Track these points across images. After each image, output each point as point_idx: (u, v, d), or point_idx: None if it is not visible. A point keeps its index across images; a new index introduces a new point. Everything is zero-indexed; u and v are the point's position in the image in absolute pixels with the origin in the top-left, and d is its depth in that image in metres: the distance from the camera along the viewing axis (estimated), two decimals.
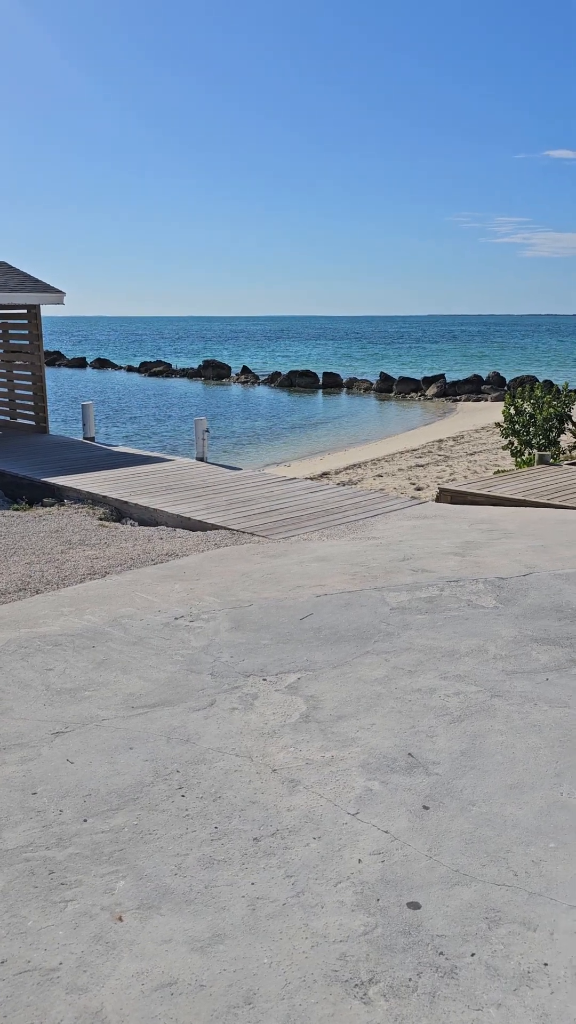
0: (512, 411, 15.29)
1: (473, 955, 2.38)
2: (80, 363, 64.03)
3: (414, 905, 2.59)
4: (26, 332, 15.05)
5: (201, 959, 2.39)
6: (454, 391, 39.39)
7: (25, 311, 14.91)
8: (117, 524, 8.79)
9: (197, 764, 3.46)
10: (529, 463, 13.78)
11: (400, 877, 2.72)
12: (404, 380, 41.63)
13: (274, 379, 47.10)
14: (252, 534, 7.92)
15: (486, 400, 36.91)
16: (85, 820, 3.08)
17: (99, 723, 3.84)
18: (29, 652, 4.72)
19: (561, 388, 16.24)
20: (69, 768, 3.45)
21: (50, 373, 49.57)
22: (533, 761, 3.42)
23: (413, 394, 39.86)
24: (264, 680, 4.28)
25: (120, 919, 2.56)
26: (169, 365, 57.09)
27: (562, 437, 16.10)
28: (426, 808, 3.10)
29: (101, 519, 8.92)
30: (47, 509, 9.31)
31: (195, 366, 55.53)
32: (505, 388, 39.12)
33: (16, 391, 15.76)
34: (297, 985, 2.29)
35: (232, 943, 2.45)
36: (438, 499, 10.71)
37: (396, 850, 2.86)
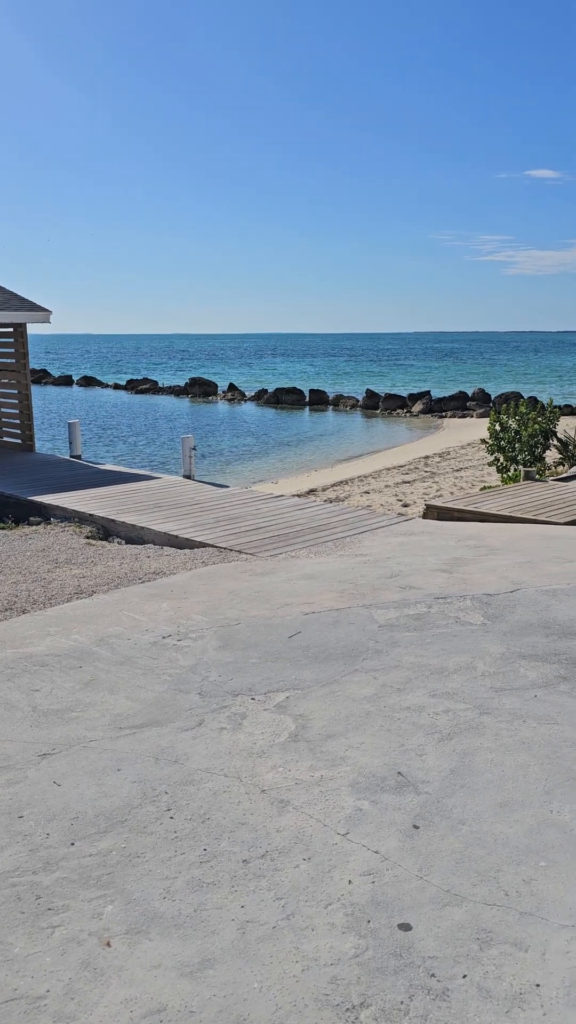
0: (497, 427, 15.38)
1: (465, 977, 2.36)
2: (66, 381, 63.97)
3: (405, 926, 2.57)
4: (12, 350, 15.04)
5: (191, 984, 2.36)
6: (440, 408, 39.60)
7: (11, 329, 14.90)
8: (104, 542, 8.76)
9: (186, 785, 3.43)
10: (515, 479, 13.85)
11: (391, 898, 2.70)
12: (390, 397, 41.82)
13: (261, 396, 47.22)
14: (240, 552, 7.91)
15: (471, 416, 37.13)
16: (72, 843, 3.05)
17: (86, 744, 3.81)
18: (15, 673, 4.69)
19: (546, 404, 16.36)
20: (56, 791, 3.41)
21: (36, 391, 49.41)
22: (522, 779, 3.42)
23: (399, 411, 40.04)
24: (253, 699, 4.26)
25: (108, 944, 2.52)
26: (156, 383, 57.14)
27: (547, 453, 16.19)
28: (416, 828, 3.09)
29: (88, 537, 8.88)
30: (33, 528, 9.27)
31: (182, 383, 55.60)
32: (490, 404, 39.38)
33: (2, 409, 15.73)
34: (288, 1010, 2.26)
35: (222, 968, 2.42)
36: (425, 515, 10.73)
37: (386, 871, 2.84)
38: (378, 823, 3.12)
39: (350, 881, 2.79)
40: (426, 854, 2.93)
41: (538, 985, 2.33)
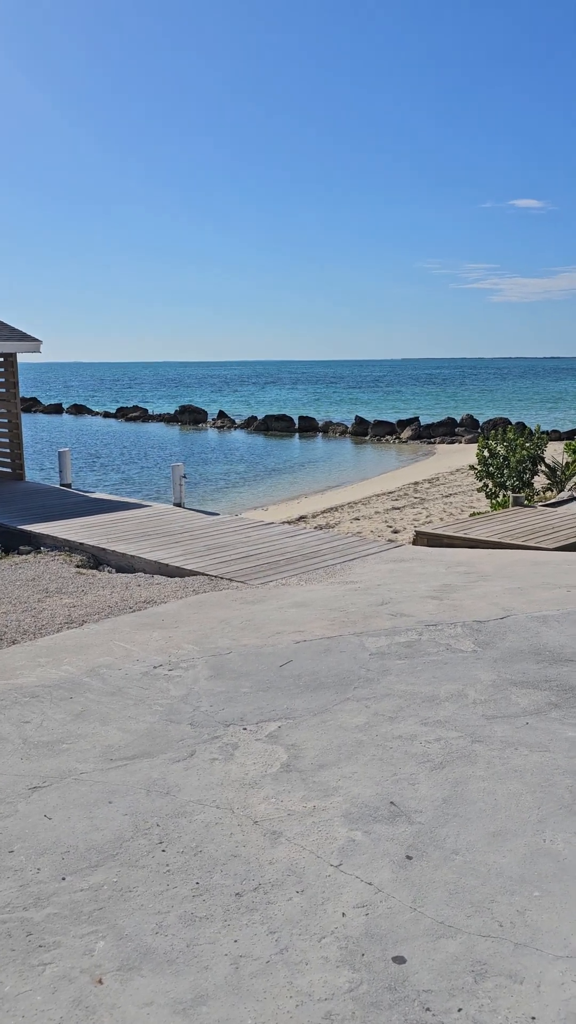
0: (486, 454, 15.49)
1: (460, 1010, 2.34)
2: (56, 409, 64.09)
3: (399, 959, 2.55)
4: (2, 380, 15.08)
5: (184, 1022, 2.33)
6: (429, 434, 39.86)
7: (1, 359, 14.96)
8: (94, 571, 8.74)
9: (177, 817, 3.41)
10: (504, 505, 13.93)
11: (385, 930, 2.69)
12: (379, 423, 42.08)
13: (250, 423, 47.41)
14: (230, 580, 7.91)
15: (460, 442, 37.38)
16: (63, 878, 3.02)
17: (77, 777, 3.78)
18: (5, 704, 4.66)
19: (533, 430, 16.50)
20: (47, 824, 3.38)
21: (26, 420, 49.47)
22: (515, 807, 3.41)
23: (388, 437, 40.27)
24: (244, 729, 4.24)
25: (100, 982, 2.50)
26: (146, 410, 57.32)
27: (536, 479, 16.30)
28: (409, 858, 3.07)
29: (78, 566, 8.87)
30: (23, 557, 9.25)
31: (171, 411, 55.80)
32: (479, 430, 39.67)
33: None
34: None
35: (215, 1004, 2.40)
36: (415, 542, 10.77)
37: (380, 902, 2.83)
38: (371, 854, 3.11)
39: (344, 913, 2.77)
40: (420, 885, 2.91)
41: (534, 1018, 2.31)
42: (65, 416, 60.08)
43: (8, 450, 15.32)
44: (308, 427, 45.12)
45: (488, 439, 15.81)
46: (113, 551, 9.20)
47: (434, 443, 37.67)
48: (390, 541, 10.76)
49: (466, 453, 30.13)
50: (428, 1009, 2.35)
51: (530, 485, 15.17)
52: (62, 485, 14.49)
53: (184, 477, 12.75)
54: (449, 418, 43.45)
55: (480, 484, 16.03)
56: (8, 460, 15.35)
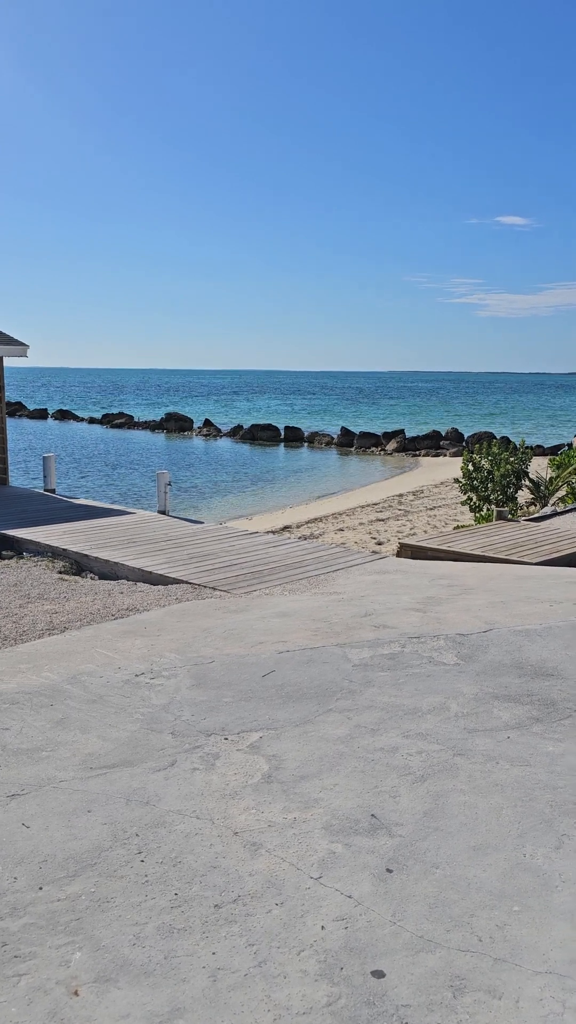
0: (470, 467, 15.55)
1: None
2: (42, 414, 63.81)
3: (378, 973, 2.54)
4: None
5: None
6: (414, 446, 40.00)
7: None
8: (77, 578, 8.69)
9: (157, 827, 3.38)
10: (488, 519, 13.99)
11: (364, 944, 2.67)
12: (365, 435, 42.19)
13: (236, 432, 47.41)
14: (214, 588, 7.89)
15: (445, 455, 37.53)
16: (40, 888, 2.99)
17: (56, 785, 3.75)
18: None
19: (518, 445, 16.59)
20: (24, 833, 3.35)
21: (11, 424, 49.24)
22: (496, 822, 3.41)
23: (373, 449, 40.38)
24: (226, 739, 4.23)
25: (76, 993, 2.47)
26: (131, 417, 57.17)
27: (519, 493, 16.38)
28: (389, 871, 3.06)
29: (61, 572, 8.81)
30: (5, 562, 9.18)
31: (157, 418, 55.69)
32: (464, 444, 39.86)
33: None
34: None
35: (192, 1017, 2.37)
36: (399, 554, 10.78)
37: (359, 916, 2.81)
38: (351, 867, 3.09)
39: (323, 927, 2.76)
40: (399, 899, 2.90)
41: None
42: (50, 421, 59.83)
43: None
44: (294, 437, 45.18)
45: (473, 453, 15.88)
46: (96, 558, 9.15)
47: (419, 456, 37.81)
48: (374, 552, 10.77)
49: (451, 466, 30.26)
50: None
51: (514, 499, 15.24)
52: (46, 490, 14.42)
53: (169, 485, 12.72)
54: (434, 431, 43.64)
55: (464, 497, 16.08)
56: None
